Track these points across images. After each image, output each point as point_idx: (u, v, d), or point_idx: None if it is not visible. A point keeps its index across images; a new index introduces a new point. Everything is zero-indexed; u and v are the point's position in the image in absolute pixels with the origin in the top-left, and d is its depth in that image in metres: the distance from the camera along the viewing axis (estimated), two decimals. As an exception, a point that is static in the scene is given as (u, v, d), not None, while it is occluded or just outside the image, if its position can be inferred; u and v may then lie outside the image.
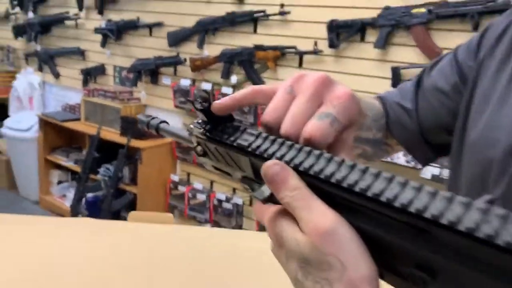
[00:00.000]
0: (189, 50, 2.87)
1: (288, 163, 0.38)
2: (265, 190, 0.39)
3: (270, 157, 0.40)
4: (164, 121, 0.56)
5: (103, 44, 3.37)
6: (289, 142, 0.40)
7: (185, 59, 2.86)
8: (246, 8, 2.58)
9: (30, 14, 3.85)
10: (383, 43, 2.08)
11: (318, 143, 0.40)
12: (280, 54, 2.46)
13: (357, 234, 0.34)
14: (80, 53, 3.59)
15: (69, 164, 3.54)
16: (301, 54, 2.40)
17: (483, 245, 0.27)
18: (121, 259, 0.93)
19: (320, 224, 0.34)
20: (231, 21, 2.61)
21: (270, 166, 0.38)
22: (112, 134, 3.10)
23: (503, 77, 0.58)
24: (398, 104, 0.69)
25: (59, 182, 3.71)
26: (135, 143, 2.92)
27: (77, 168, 3.37)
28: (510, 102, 0.54)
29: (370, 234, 0.33)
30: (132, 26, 3.15)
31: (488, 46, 0.61)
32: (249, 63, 2.58)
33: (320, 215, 0.35)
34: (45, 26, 3.79)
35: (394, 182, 0.32)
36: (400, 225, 0.31)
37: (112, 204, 2.88)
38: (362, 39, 2.19)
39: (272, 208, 0.40)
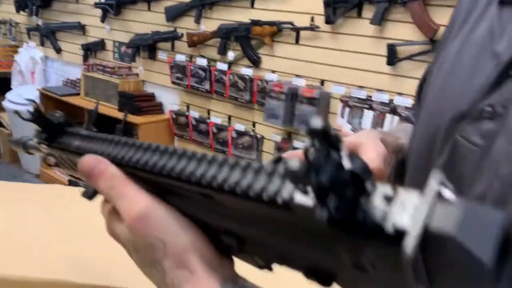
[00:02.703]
0: (186, 25, 2.83)
1: (107, 156, 0.39)
2: (90, 188, 0.40)
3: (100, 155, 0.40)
4: (31, 139, 0.55)
5: (103, 19, 3.34)
6: (117, 138, 0.40)
7: (182, 34, 2.83)
8: (244, -18, 2.52)
9: (32, -12, 3.83)
10: (380, 19, 2.02)
11: None
12: (276, 30, 2.41)
13: (175, 212, 0.35)
14: (81, 28, 3.57)
15: (69, 139, 3.56)
16: (297, 30, 2.35)
17: (260, 204, 0.28)
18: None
19: (132, 209, 0.35)
20: (228, -4, 2.56)
21: (85, 160, 0.38)
22: (110, 109, 3.10)
23: (455, 45, 0.55)
24: None
25: (60, 157, 3.74)
26: (132, 118, 2.91)
27: (77, 143, 3.38)
28: (457, 71, 0.52)
29: (185, 209, 0.35)
30: (131, 0, 3.11)
31: (456, 11, 0.59)
32: (245, 38, 2.54)
33: (131, 201, 0.36)
34: (46, 0, 3.76)
35: (193, 160, 0.33)
36: (197, 197, 0.33)
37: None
38: (359, 15, 2.13)
39: (106, 207, 0.40)
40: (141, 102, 3.02)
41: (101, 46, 3.47)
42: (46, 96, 3.53)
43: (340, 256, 0.26)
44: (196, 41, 2.74)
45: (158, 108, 3.10)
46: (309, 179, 0.22)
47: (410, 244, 0.21)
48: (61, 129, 0.47)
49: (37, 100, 3.64)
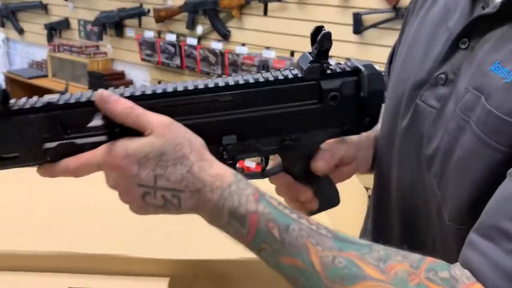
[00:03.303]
0: (152, 0, 2.80)
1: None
2: (97, 121, 0.45)
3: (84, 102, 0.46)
4: None
5: (65, -4, 3.26)
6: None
7: (148, 10, 2.80)
8: (209, -46, 2.51)
9: (-13, -34, 3.67)
10: (345, -12, 2.07)
11: None
12: (244, 2, 2.43)
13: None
14: (43, 7, 3.47)
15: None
16: (265, 2, 2.37)
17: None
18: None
19: (161, 119, 0.45)
20: (194, -31, 2.54)
21: (102, 92, 0.45)
22: (80, 89, 3.05)
23: (417, 21, 0.62)
24: None
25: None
26: (104, 98, 2.90)
27: (48, 126, 3.35)
28: (418, 44, 0.59)
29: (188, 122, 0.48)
30: (93, -24, 3.05)
31: None
32: (213, 12, 2.54)
33: (156, 115, 0.45)
34: (3, -21, 3.63)
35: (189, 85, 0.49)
36: (203, 106, 0.49)
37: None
38: (325, -16, 2.17)
39: (100, 155, 0.45)
40: (111, 81, 3.00)
41: (65, 25, 3.39)
42: (12, 80, 3.45)
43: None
44: (164, 17, 2.73)
45: (128, 85, 3.08)
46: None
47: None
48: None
49: (3, 84, 3.56)
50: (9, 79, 3.46)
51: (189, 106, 0.49)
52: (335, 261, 0.40)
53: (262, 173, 0.58)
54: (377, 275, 0.39)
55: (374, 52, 2.07)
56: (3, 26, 3.81)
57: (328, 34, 0.50)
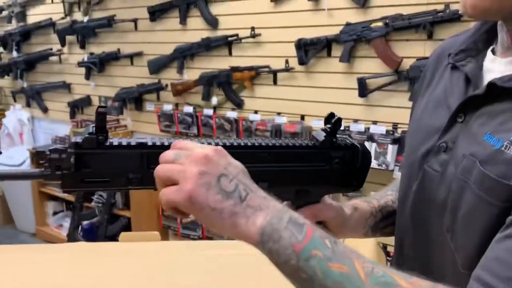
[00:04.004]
0: (169, 76, 3.02)
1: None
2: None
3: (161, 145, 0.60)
4: None
5: (87, 76, 3.51)
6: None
7: (166, 85, 3.01)
8: (220, 33, 2.73)
9: (14, 53, 3.98)
10: (348, 57, 2.23)
11: None
12: (255, 73, 2.61)
13: None
14: (66, 87, 3.72)
15: (63, 194, 3.64)
16: (274, 72, 2.55)
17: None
18: (117, 274, 1.05)
19: (211, 147, 0.55)
20: (207, 46, 2.76)
21: (176, 141, 0.58)
22: (102, 162, 3.21)
23: (424, 100, 0.75)
24: None
25: (55, 213, 3.80)
26: (125, 169, 3.03)
27: (71, 198, 3.48)
28: (424, 119, 0.73)
29: None
30: (113, 57, 3.29)
31: (424, 72, 0.80)
32: (227, 84, 2.73)
33: (206, 146, 0.56)
34: (30, 63, 3.92)
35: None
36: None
37: (107, 230, 2.99)
38: (329, 54, 2.35)
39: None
40: (132, 152, 3.15)
41: (87, 102, 3.62)
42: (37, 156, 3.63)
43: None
44: (181, 90, 2.92)
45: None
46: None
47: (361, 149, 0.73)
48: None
49: (28, 161, 3.74)
50: (34, 155, 3.64)
51: (239, 156, 0.60)
52: (373, 271, 0.48)
53: None
54: (406, 285, 0.47)
55: (379, 112, 2.20)
56: (29, 106, 4.06)
57: (340, 120, 0.68)
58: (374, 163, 2.16)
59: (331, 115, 0.70)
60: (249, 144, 0.65)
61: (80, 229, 3.13)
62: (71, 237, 3.09)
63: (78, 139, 0.57)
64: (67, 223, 3.60)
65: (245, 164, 0.60)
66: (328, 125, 0.70)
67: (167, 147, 0.58)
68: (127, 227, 3.05)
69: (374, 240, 1.02)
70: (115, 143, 0.58)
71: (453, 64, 0.69)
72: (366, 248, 1.03)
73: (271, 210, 0.52)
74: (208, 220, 0.52)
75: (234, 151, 0.59)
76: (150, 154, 0.59)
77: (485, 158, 0.56)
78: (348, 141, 0.73)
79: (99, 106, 0.57)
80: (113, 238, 3.05)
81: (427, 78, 0.77)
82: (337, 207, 0.75)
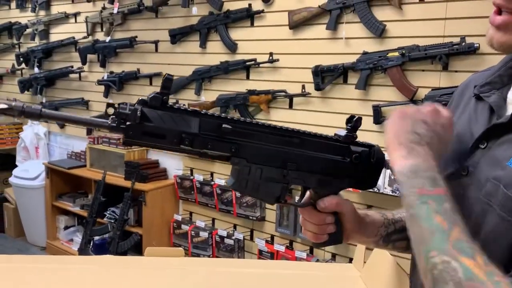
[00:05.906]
0: (187, 96, 3.09)
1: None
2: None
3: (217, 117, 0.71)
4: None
5: (106, 94, 3.59)
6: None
7: (184, 105, 3.06)
8: (238, 57, 2.81)
9: (36, 69, 4.09)
10: (364, 85, 2.29)
11: None
12: (271, 97, 2.67)
13: None
14: (84, 103, 3.81)
15: (76, 209, 3.69)
16: (290, 97, 2.61)
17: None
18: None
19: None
20: (225, 69, 2.84)
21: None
22: (116, 178, 3.27)
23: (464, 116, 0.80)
24: None
25: (66, 228, 3.84)
26: (138, 186, 3.09)
27: (83, 213, 3.52)
28: (450, 145, 0.75)
29: (273, 148, 0.77)
30: (133, 77, 3.38)
31: (449, 104, 0.86)
32: (243, 106, 2.79)
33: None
34: (50, 80, 4.03)
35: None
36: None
37: (119, 246, 3.02)
38: (345, 81, 2.41)
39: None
40: (147, 169, 3.21)
41: (104, 119, 3.68)
42: (52, 170, 3.70)
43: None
44: (197, 111, 2.98)
45: (163, 174, 3.29)
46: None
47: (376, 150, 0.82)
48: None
49: (43, 174, 3.80)
50: (49, 169, 3.71)
51: (275, 138, 0.75)
52: (463, 239, 0.55)
53: (297, 203, 0.84)
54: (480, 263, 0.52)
55: (394, 140, 2.23)
56: (46, 121, 4.14)
57: (360, 118, 0.78)
58: (388, 190, 2.19)
59: (352, 116, 0.80)
60: (289, 129, 0.76)
61: (91, 244, 3.16)
62: (83, 252, 3.12)
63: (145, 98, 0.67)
64: (77, 238, 3.63)
65: (281, 146, 0.74)
66: (350, 124, 0.80)
67: (217, 117, 0.70)
68: (138, 244, 3.07)
69: (393, 258, 1.05)
70: (175, 106, 0.68)
71: (477, 95, 0.74)
72: (383, 264, 1.06)
73: (429, 164, 0.62)
74: (394, 132, 0.68)
75: (275, 133, 0.73)
76: (203, 121, 0.69)
77: (509, 182, 0.60)
78: (365, 141, 0.83)
79: (167, 74, 0.67)
80: (124, 254, 3.07)
81: (452, 107, 0.83)
82: (353, 205, 0.83)
